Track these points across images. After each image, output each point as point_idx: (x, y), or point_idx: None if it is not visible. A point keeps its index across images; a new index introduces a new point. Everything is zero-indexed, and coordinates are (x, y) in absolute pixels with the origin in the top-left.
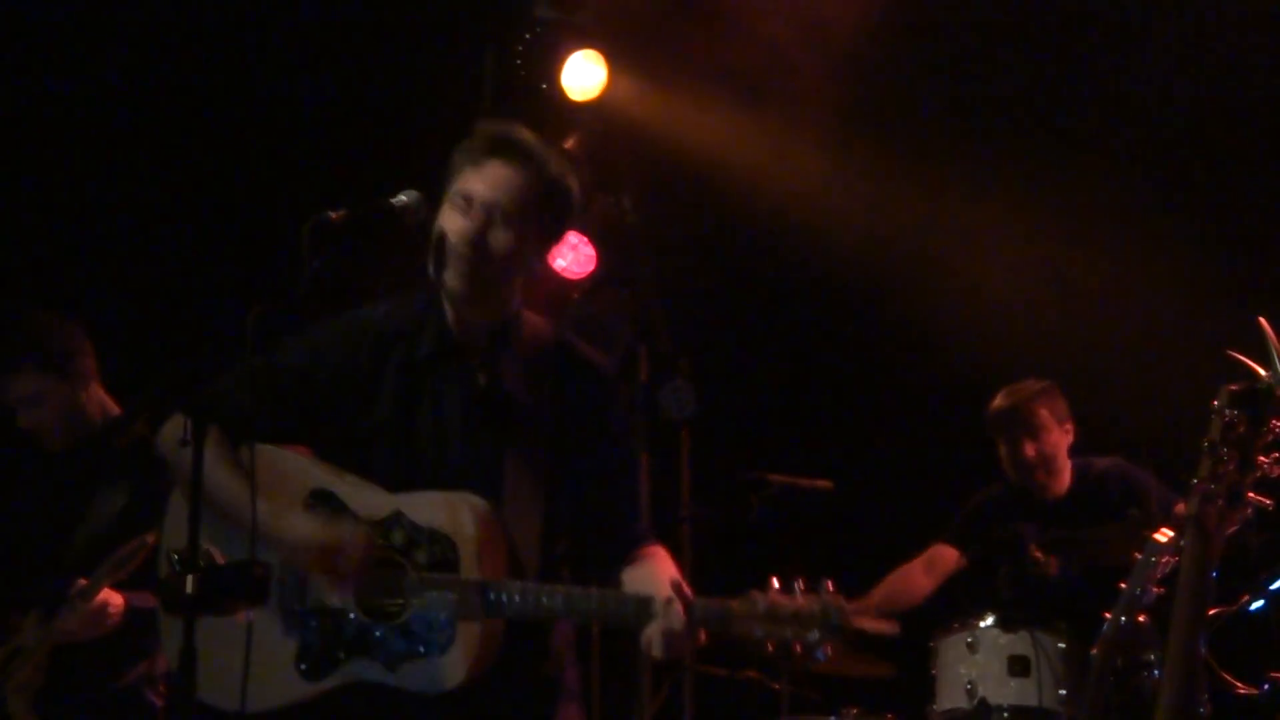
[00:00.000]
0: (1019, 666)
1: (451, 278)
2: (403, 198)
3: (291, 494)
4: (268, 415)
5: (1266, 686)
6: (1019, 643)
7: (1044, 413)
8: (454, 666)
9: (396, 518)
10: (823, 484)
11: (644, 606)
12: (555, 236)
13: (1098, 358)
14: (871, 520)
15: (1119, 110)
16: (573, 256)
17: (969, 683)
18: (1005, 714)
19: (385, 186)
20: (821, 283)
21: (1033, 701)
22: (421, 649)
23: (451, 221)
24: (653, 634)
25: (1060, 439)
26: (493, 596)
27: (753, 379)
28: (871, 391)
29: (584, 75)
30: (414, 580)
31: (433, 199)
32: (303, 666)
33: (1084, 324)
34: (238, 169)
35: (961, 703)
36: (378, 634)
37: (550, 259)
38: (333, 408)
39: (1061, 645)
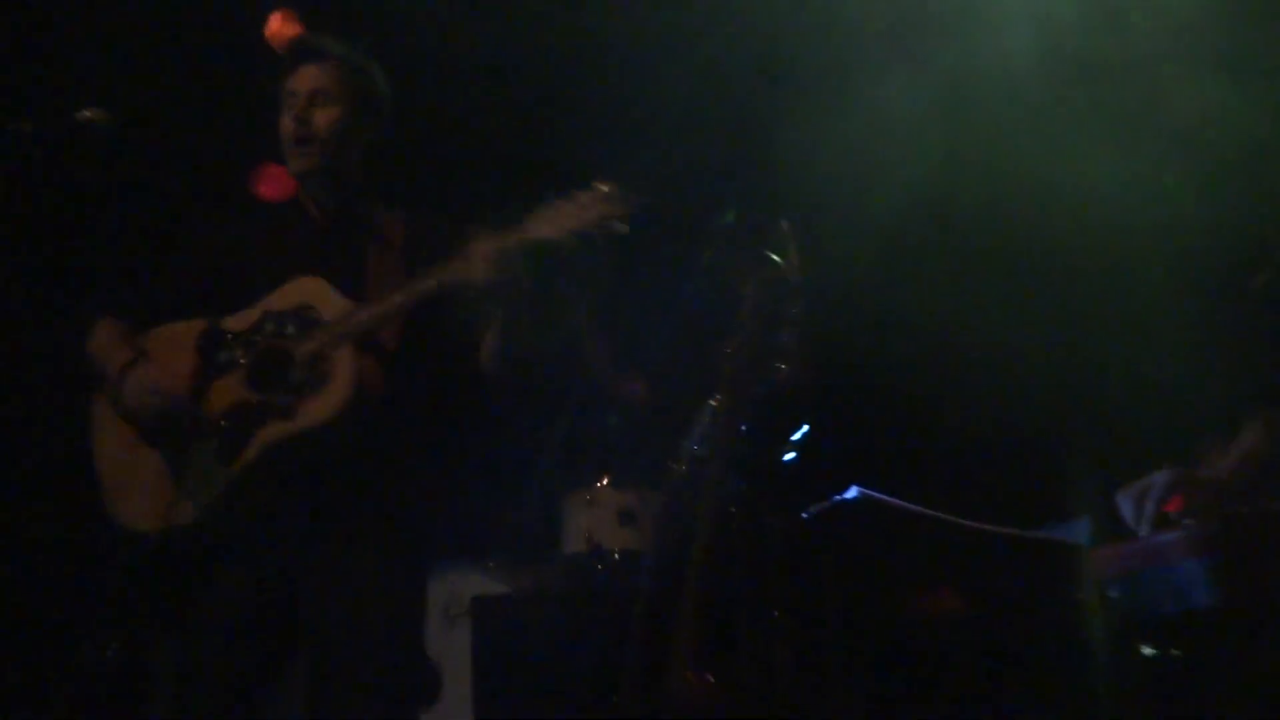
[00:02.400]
0: (628, 519)
1: (293, 166)
2: (87, 113)
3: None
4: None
5: (805, 515)
6: (627, 498)
7: None
8: (337, 390)
9: (264, 316)
10: None
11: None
12: (376, 113)
13: None
14: None
15: None
16: None
17: (587, 532)
18: (616, 556)
19: None
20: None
21: (637, 546)
22: (310, 388)
23: (283, 121)
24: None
25: None
26: (358, 315)
27: None
28: None
29: None
30: (300, 351)
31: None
32: (221, 456)
33: None
34: None
35: (580, 548)
36: (279, 400)
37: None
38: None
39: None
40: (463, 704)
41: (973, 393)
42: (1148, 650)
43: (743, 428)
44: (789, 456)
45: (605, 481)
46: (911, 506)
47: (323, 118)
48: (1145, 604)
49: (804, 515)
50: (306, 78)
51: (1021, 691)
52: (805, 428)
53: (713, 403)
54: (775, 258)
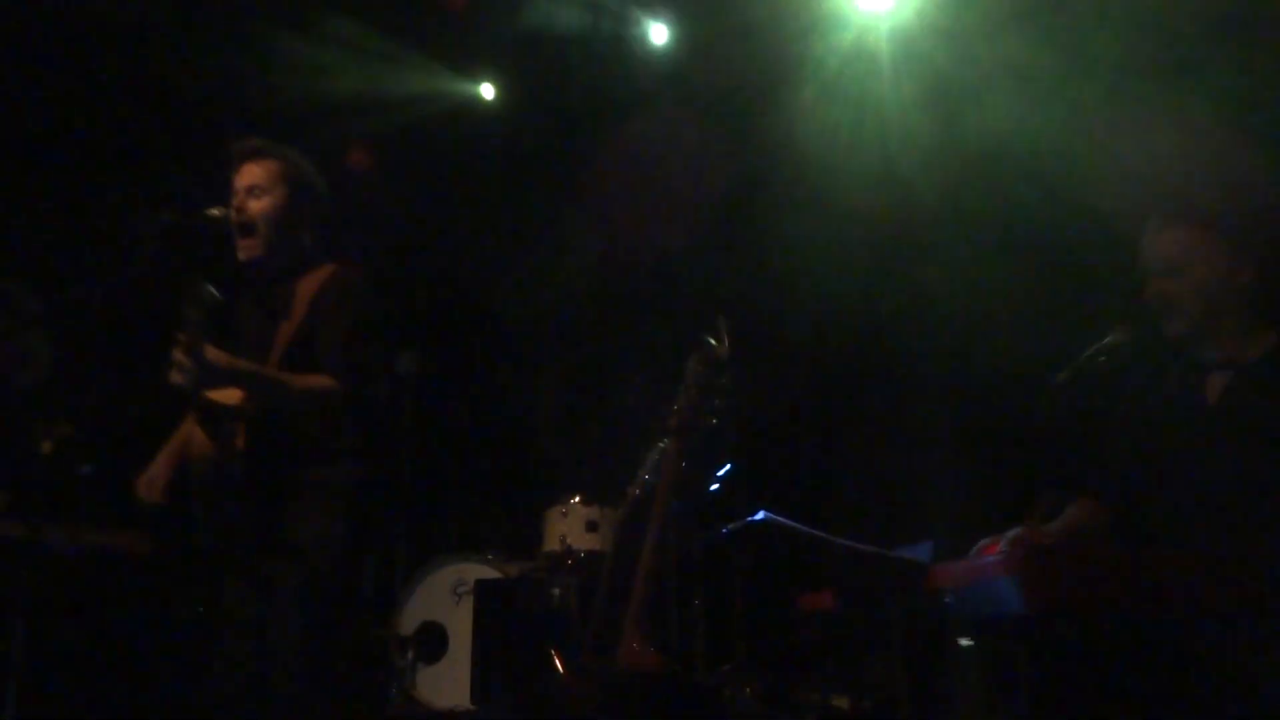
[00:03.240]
0: (593, 527)
1: (239, 256)
2: (214, 210)
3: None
4: None
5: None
6: (593, 512)
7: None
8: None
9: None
10: None
11: None
12: (308, 203)
13: None
14: None
15: None
16: None
17: (561, 535)
18: (582, 554)
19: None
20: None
21: (599, 548)
22: None
23: (229, 213)
24: None
25: None
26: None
27: None
28: None
29: None
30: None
31: None
32: None
33: None
34: None
35: (556, 547)
36: None
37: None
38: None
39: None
40: (465, 659)
41: (852, 445)
42: (965, 641)
43: (683, 464)
44: (715, 487)
45: (577, 499)
46: (804, 528)
47: (257, 206)
48: (970, 608)
49: (724, 531)
50: (245, 174)
51: (877, 668)
52: (728, 466)
53: (661, 445)
54: (712, 341)
